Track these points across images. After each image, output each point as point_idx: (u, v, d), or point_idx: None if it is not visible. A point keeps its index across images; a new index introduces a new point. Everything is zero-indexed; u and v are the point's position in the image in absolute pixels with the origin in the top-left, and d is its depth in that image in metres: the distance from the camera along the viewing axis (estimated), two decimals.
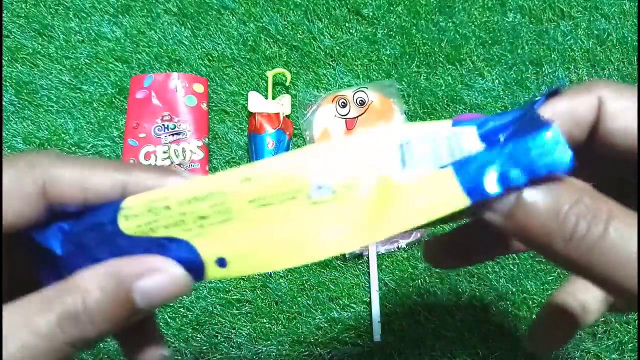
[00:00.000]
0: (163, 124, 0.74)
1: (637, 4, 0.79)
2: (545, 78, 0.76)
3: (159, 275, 0.25)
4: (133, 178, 0.26)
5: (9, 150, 0.73)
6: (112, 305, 0.24)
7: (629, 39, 0.77)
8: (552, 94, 0.25)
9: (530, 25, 0.79)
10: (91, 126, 0.75)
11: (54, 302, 0.24)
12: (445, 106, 0.76)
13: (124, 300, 0.24)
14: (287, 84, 0.76)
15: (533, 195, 0.21)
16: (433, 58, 0.78)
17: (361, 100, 0.75)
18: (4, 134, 0.74)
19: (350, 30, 0.80)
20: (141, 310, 0.25)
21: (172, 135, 0.73)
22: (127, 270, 0.25)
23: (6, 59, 0.77)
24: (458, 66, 0.78)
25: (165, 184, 0.26)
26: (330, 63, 0.78)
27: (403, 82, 0.77)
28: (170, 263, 0.25)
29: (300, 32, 0.79)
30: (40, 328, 0.23)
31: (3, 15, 0.79)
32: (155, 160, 0.72)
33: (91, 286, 0.24)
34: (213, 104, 0.76)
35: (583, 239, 0.20)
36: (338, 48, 0.79)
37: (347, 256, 0.68)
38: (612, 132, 0.24)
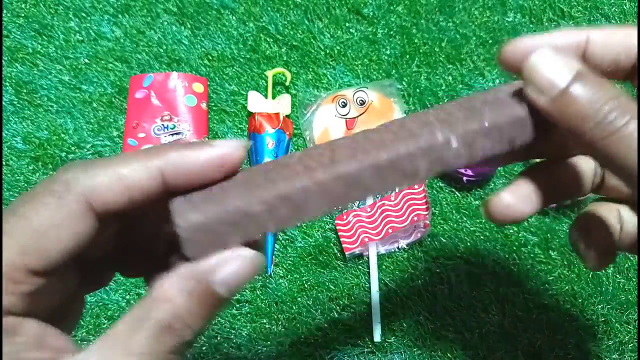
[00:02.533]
0: (162, 124, 0.74)
1: (637, 3, 0.79)
2: None
3: (233, 263, 0.25)
4: (168, 161, 0.25)
5: (8, 150, 0.73)
6: (199, 303, 0.25)
7: None
8: None
9: (531, 25, 0.79)
10: (91, 126, 0.75)
11: (144, 321, 0.24)
12: None
13: (208, 295, 0.25)
14: (287, 83, 0.76)
15: (577, 87, 0.26)
16: (433, 58, 0.78)
17: (361, 100, 0.75)
18: (3, 134, 0.74)
19: (351, 30, 0.80)
20: (227, 299, 0.25)
21: (172, 135, 0.73)
22: (202, 268, 0.25)
23: (6, 58, 0.77)
24: (458, 66, 0.77)
25: (202, 156, 0.26)
26: (331, 63, 0.78)
27: (403, 82, 0.77)
28: (238, 249, 0.26)
29: (300, 31, 0.79)
30: (141, 349, 0.24)
31: (3, 15, 0.79)
32: None
33: (174, 293, 0.25)
34: (213, 104, 0.76)
35: (609, 124, 0.25)
36: (338, 48, 0.79)
37: (346, 256, 0.68)
38: (601, 54, 0.30)
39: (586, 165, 0.34)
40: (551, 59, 0.27)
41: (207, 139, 0.74)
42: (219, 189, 0.26)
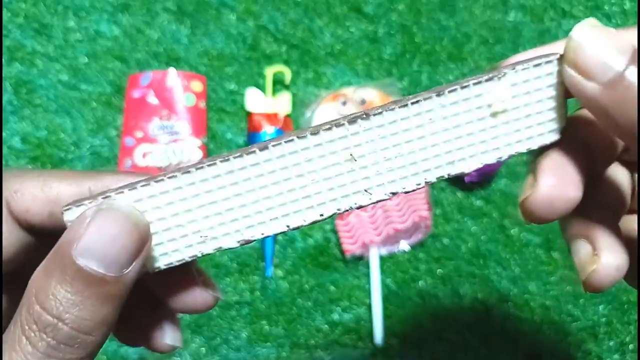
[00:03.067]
0: (161, 123, 0.73)
1: (637, 3, 0.79)
2: None
3: (94, 221, 0.21)
4: (102, 182, 0.24)
5: (7, 150, 0.73)
6: (68, 286, 0.20)
7: None
8: None
9: (532, 25, 0.79)
10: (90, 125, 0.74)
11: (15, 322, 0.21)
12: None
13: (75, 273, 0.20)
14: (287, 82, 0.76)
15: (634, 72, 0.21)
16: (434, 57, 0.78)
17: (362, 99, 0.74)
18: (2, 134, 0.73)
19: (351, 29, 0.79)
20: (111, 278, 0.21)
21: (170, 134, 0.73)
22: (63, 238, 0.21)
23: (5, 58, 0.77)
24: (460, 65, 0.77)
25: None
26: (331, 61, 0.78)
27: (404, 81, 0.76)
28: (105, 200, 0.22)
29: (300, 30, 0.79)
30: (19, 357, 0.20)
31: (2, 14, 0.79)
32: (152, 160, 0.72)
33: (39, 277, 0.21)
34: (212, 103, 0.76)
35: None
36: (338, 46, 0.78)
37: (347, 257, 0.68)
38: None
39: (622, 175, 0.28)
40: (599, 35, 0.22)
41: (205, 138, 0.73)
42: None
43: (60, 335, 0.20)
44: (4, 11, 0.79)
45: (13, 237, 0.24)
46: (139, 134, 0.73)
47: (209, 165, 0.23)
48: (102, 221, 0.21)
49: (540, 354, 0.66)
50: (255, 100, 0.74)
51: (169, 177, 0.23)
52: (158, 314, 0.28)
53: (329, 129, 0.24)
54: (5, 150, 0.73)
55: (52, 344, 0.20)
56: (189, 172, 0.23)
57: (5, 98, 0.75)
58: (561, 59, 0.24)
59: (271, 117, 0.73)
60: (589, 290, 0.25)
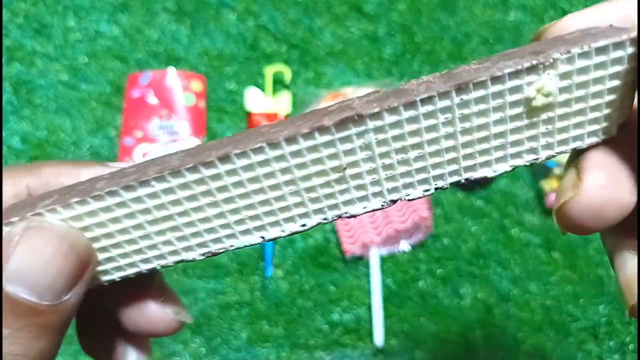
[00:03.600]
0: (160, 123, 0.73)
1: (637, 3, 0.79)
2: None
3: (22, 246, 0.18)
4: (41, 178, 0.21)
5: (7, 150, 0.73)
6: (5, 322, 0.17)
7: None
8: None
9: (532, 24, 0.79)
10: (89, 125, 0.74)
11: None
12: None
13: (13, 306, 0.17)
14: (287, 82, 0.76)
15: None
16: (435, 56, 0.78)
17: None
18: (2, 134, 0.73)
19: (351, 28, 0.79)
20: (46, 306, 0.18)
21: (170, 134, 0.73)
22: None
23: (5, 58, 0.77)
24: (460, 64, 0.77)
25: (82, 175, 0.21)
26: (331, 61, 0.78)
27: (404, 80, 0.76)
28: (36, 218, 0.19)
29: (300, 29, 0.79)
30: None
31: (2, 14, 0.79)
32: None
33: None
34: (212, 103, 0.76)
35: None
36: (338, 46, 0.78)
37: (347, 258, 0.68)
38: None
39: None
40: None
41: (205, 138, 0.73)
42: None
43: None
44: (4, 11, 0.79)
45: None
46: (139, 134, 0.73)
47: (155, 180, 0.19)
48: (33, 241, 0.18)
49: (540, 354, 0.66)
50: (255, 100, 0.74)
51: (109, 194, 0.19)
52: (121, 330, 0.24)
53: (310, 135, 0.19)
54: (5, 150, 0.73)
55: None
56: (131, 187, 0.19)
57: (5, 98, 0.75)
58: (636, 40, 0.18)
59: (271, 117, 0.73)
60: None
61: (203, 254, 0.21)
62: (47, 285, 0.17)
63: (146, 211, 0.20)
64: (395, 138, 0.19)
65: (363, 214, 0.21)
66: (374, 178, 0.20)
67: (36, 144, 0.73)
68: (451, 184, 0.21)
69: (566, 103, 0.19)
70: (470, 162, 0.20)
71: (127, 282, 0.22)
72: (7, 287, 0.17)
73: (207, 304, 0.67)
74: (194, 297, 0.67)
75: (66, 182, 0.21)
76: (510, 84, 0.19)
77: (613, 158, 0.19)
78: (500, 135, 0.20)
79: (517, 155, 0.20)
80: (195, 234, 0.21)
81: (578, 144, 0.20)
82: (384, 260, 0.69)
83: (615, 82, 0.19)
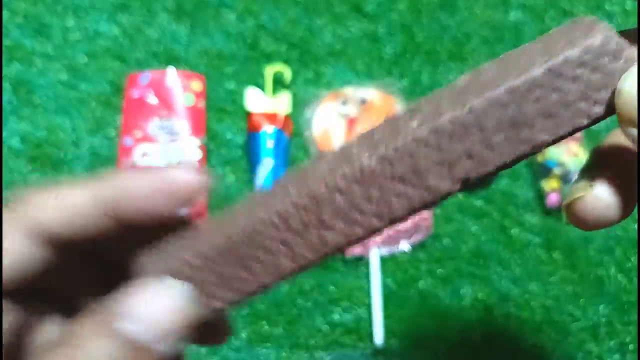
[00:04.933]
0: (160, 123, 0.73)
1: (637, 3, 0.79)
2: None
3: (152, 296, 0.21)
4: (115, 187, 0.23)
5: (6, 150, 0.73)
6: (109, 356, 0.20)
7: None
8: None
9: (533, 24, 0.78)
10: (89, 125, 0.74)
11: None
12: None
13: (122, 344, 0.20)
14: (287, 81, 0.76)
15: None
16: (435, 56, 0.77)
17: (362, 99, 0.74)
18: (2, 134, 0.73)
19: (351, 28, 0.79)
20: (148, 348, 0.20)
21: (170, 134, 0.73)
22: (112, 303, 0.21)
23: (4, 58, 0.76)
24: (460, 64, 0.77)
25: (148, 182, 0.23)
26: (331, 61, 0.78)
27: (405, 80, 0.76)
28: (159, 279, 0.22)
29: (300, 29, 0.79)
30: None
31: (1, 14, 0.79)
32: (151, 160, 0.72)
33: (78, 342, 0.20)
34: (212, 103, 0.75)
35: None
36: (338, 45, 0.78)
37: (347, 258, 0.68)
38: None
39: None
40: None
41: (204, 138, 0.73)
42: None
43: None
44: (4, 10, 0.79)
45: (28, 254, 0.23)
46: (138, 134, 0.72)
47: None
48: (160, 292, 0.21)
49: (540, 354, 0.66)
50: (255, 100, 0.74)
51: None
52: None
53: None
54: (5, 149, 0.73)
55: None
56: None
57: (4, 98, 0.75)
58: None
59: (271, 117, 0.72)
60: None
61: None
62: (157, 330, 0.20)
63: None
64: None
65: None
66: None
67: (36, 143, 0.73)
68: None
69: None
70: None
71: None
72: (127, 324, 0.20)
73: None
74: None
75: (136, 189, 0.23)
76: None
77: (623, 173, 0.21)
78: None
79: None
80: None
81: None
82: (384, 260, 0.69)
83: None
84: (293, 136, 0.74)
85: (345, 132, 0.73)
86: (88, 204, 0.23)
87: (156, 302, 0.21)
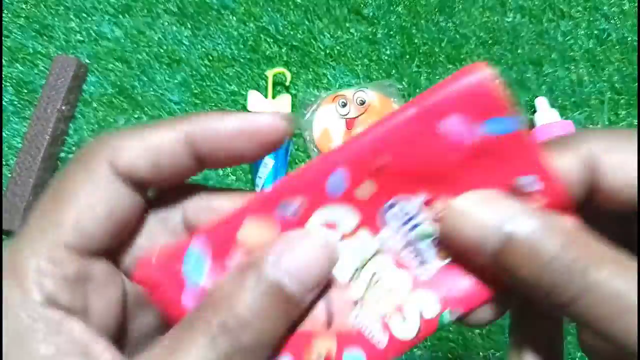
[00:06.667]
0: None
1: (636, 4, 0.79)
2: (545, 78, 0.76)
3: (300, 247, 0.21)
4: (197, 125, 0.23)
5: (8, 150, 0.73)
6: (259, 299, 0.20)
7: (629, 39, 0.77)
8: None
9: (530, 26, 0.79)
10: (91, 126, 0.75)
11: (195, 325, 0.20)
12: None
13: (270, 290, 0.20)
14: (287, 83, 0.76)
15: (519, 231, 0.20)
16: (433, 58, 0.78)
17: (361, 100, 0.75)
18: (4, 134, 0.74)
19: (351, 30, 0.80)
20: (297, 299, 0.21)
21: None
22: (259, 255, 0.21)
23: (6, 59, 0.77)
24: (458, 66, 0.77)
25: (232, 122, 0.23)
26: (331, 63, 0.78)
27: (403, 82, 0.77)
28: (309, 229, 0.22)
29: (300, 32, 0.79)
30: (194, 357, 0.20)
31: (3, 15, 0.79)
32: None
33: (229, 289, 0.21)
34: (213, 104, 0.76)
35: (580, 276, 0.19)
36: (338, 48, 0.79)
37: None
38: (611, 189, 0.22)
39: None
40: (477, 208, 0.22)
41: None
42: None
43: (241, 342, 0.20)
44: (5, 12, 0.79)
45: (125, 200, 0.22)
46: None
47: None
48: (306, 244, 0.21)
49: None
50: (256, 102, 0.74)
51: None
52: None
53: None
54: (6, 149, 0.73)
55: (232, 348, 0.20)
56: None
57: (6, 98, 0.75)
58: None
59: None
60: None
61: None
62: (303, 282, 0.21)
63: None
64: None
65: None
66: None
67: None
68: None
69: None
70: None
71: None
72: (278, 274, 0.20)
73: None
74: None
75: (219, 128, 0.23)
76: None
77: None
78: None
79: None
80: None
81: None
82: None
83: None
84: (293, 137, 0.75)
85: (345, 133, 0.74)
86: (174, 144, 0.22)
87: (302, 254, 0.21)
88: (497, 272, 0.21)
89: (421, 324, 0.23)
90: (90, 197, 0.21)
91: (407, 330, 0.23)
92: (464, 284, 0.23)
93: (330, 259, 0.22)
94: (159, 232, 0.24)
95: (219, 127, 0.23)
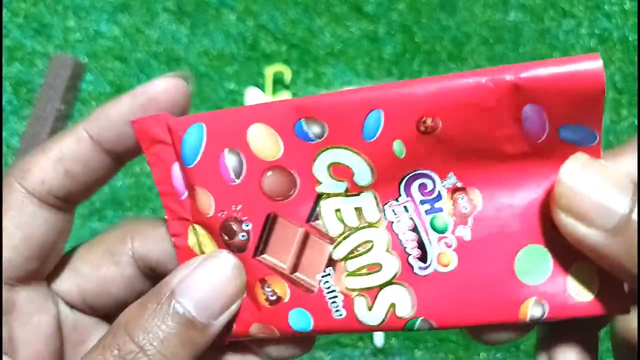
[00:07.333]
0: None
1: (637, 3, 0.79)
2: None
3: (200, 269, 0.21)
4: (94, 118, 0.22)
5: (7, 149, 0.73)
6: (161, 326, 0.20)
7: (630, 38, 0.77)
8: None
9: (532, 24, 0.78)
10: None
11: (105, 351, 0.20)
12: None
13: (173, 315, 0.20)
14: (287, 82, 0.76)
15: None
16: (435, 56, 0.78)
17: None
18: (2, 134, 0.73)
19: (351, 28, 0.79)
20: (199, 324, 0.21)
21: None
22: (171, 278, 0.21)
23: (5, 58, 0.77)
24: (460, 64, 0.77)
25: (124, 102, 0.23)
26: (331, 61, 0.78)
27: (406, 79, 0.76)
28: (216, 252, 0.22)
29: (300, 29, 0.79)
30: None
31: (2, 14, 0.79)
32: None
33: (132, 311, 0.21)
34: (211, 103, 0.76)
35: None
36: (338, 46, 0.78)
37: None
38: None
39: None
40: (592, 174, 0.19)
41: None
42: None
43: None
44: (4, 11, 0.79)
45: (43, 220, 0.22)
46: None
47: None
48: (210, 267, 0.21)
49: None
50: (255, 100, 0.74)
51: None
52: None
53: None
54: (4, 149, 0.73)
55: None
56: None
57: (4, 98, 0.75)
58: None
59: None
60: None
61: None
62: (207, 305, 0.21)
63: None
64: None
65: None
66: None
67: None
68: None
69: None
70: None
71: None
72: (179, 298, 0.20)
73: None
74: None
75: (114, 111, 0.22)
76: None
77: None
78: None
79: None
80: None
81: None
82: None
83: None
84: None
85: None
86: (76, 146, 0.22)
87: (205, 277, 0.21)
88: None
89: (387, 317, 0.21)
90: (6, 225, 0.21)
91: (370, 318, 0.21)
92: (450, 300, 0.21)
93: (236, 284, 0.22)
94: (104, 263, 0.24)
95: (111, 112, 0.22)
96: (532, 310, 0.20)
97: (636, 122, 0.74)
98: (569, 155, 0.19)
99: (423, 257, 0.21)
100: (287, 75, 0.76)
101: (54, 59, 0.74)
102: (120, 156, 0.23)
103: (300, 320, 0.22)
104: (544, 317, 0.20)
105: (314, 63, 0.77)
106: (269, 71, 0.75)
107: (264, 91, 0.75)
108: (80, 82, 0.76)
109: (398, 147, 0.20)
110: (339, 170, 0.21)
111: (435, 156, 0.20)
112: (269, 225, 0.22)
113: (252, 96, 0.74)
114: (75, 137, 0.22)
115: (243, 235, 0.22)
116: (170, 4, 0.79)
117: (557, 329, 0.23)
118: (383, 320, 0.21)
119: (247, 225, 0.22)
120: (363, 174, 0.21)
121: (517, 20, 0.79)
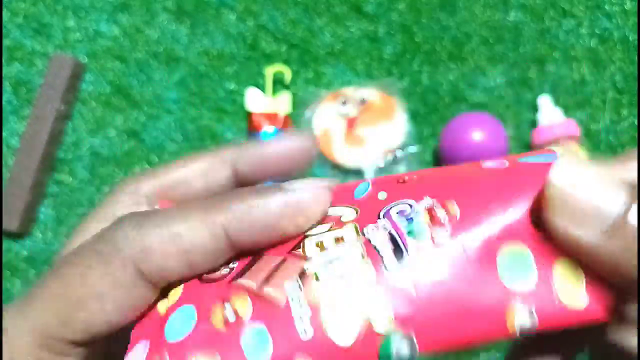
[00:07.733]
0: None
1: (637, 3, 0.79)
2: (547, 77, 0.76)
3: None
4: (234, 216, 0.20)
5: (7, 149, 0.73)
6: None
7: (630, 37, 0.77)
8: None
9: (532, 24, 0.78)
10: (89, 125, 0.74)
11: None
12: (448, 105, 0.75)
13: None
14: (287, 82, 0.76)
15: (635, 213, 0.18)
16: (435, 56, 0.77)
17: (362, 99, 0.74)
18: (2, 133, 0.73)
19: (351, 28, 0.79)
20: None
21: None
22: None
23: (4, 58, 0.77)
24: (460, 64, 0.77)
25: (273, 206, 0.20)
26: (331, 61, 0.78)
27: (404, 81, 0.76)
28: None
29: (300, 29, 0.79)
30: None
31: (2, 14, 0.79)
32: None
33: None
34: (212, 103, 0.76)
35: None
36: (339, 46, 0.78)
37: None
38: None
39: None
40: (585, 173, 0.18)
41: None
42: None
43: None
44: (4, 11, 0.79)
45: (142, 301, 0.21)
46: None
47: None
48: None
49: None
50: (256, 100, 0.74)
51: None
52: None
53: None
54: (4, 149, 0.73)
55: None
56: None
57: (4, 98, 0.75)
58: None
59: (271, 117, 0.72)
60: None
61: None
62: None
63: None
64: None
65: None
66: None
67: None
68: None
69: None
70: None
71: None
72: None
73: None
74: None
75: (259, 216, 0.20)
76: None
77: None
78: None
79: None
80: None
81: None
82: None
83: None
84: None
85: (345, 132, 0.73)
86: (204, 237, 0.20)
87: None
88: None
89: (361, 334, 0.19)
90: (106, 300, 0.20)
91: (341, 335, 0.19)
92: (433, 310, 0.19)
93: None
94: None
95: (258, 215, 0.20)
96: (519, 316, 0.19)
97: (636, 122, 0.74)
98: (528, 171, 0.20)
99: (400, 262, 0.20)
100: (287, 75, 0.76)
101: (53, 59, 0.74)
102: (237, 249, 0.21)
103: (256, 343, 0.19)
104: (535, 323, 0.19)
105: (314, 63, 0.77)
106: (269, 71, 0.75)
107: (264, 91, 0.75)
108: (80, 82, 0.76)
109: (382, 195, 0.22)
110: (329, 219, 0.21)
111: (414, 191, 0.21)
112: (253, 259, 0.21)
113: (253, 97, 0.74)
114: (210, 232, 0.20)
115: (225, 270, 0.21)
116: (170, 4, 0.79)
117: (529, 346, 0.23)
118: (356, 338, 0.19)
119: (234, 264, 0.21)
120: (348, 216, 0.21)
121: (517, 20, 0.79)
